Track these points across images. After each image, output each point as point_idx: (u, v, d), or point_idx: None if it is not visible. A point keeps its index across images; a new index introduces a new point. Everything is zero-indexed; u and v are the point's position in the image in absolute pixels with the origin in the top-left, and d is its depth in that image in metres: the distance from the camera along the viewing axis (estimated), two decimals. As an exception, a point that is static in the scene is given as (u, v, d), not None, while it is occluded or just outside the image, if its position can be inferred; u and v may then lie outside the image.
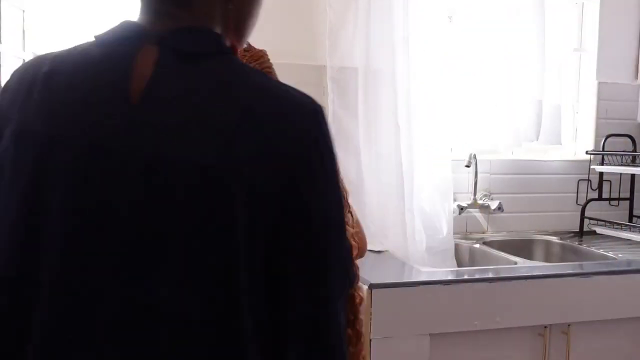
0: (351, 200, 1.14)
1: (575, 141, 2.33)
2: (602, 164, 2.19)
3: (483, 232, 2.16)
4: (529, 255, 2.01)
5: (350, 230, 1.32)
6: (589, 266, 1.70)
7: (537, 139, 2.02)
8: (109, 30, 0.63)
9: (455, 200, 2.07)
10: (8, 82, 0.66)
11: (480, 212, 2.14)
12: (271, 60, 1.83)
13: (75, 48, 0.64)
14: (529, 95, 2.00)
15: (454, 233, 1.99)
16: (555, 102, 2.06)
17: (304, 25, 1.90)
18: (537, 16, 1.97)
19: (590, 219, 2.22)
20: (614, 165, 2.16)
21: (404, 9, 1.77)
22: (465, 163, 2.03)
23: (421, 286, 1.44)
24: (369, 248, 1.79)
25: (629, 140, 2.25)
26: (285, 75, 2.06)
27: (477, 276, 1.52)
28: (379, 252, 1.78)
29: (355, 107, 1.87)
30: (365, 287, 1.41)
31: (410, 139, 1.79)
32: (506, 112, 2.01)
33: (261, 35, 1.95)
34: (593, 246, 1.96)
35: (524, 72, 1.99)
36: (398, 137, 1.76)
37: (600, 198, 2.22)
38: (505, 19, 1.98)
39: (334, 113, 1.89)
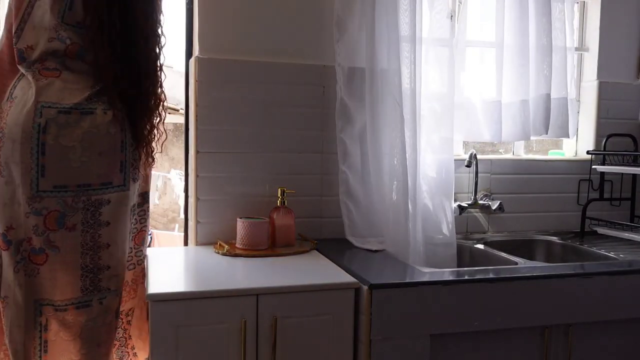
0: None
1: (577, 141, 2.32)
2: (603, 163, 2.19)
3: (484, 232, 2.15)
4: (529, 256, 2.00)
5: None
6: (590, 267, 1.69)
7: (547, 133, 2.01)
8: None
9: (455, 200, 2.06)
10: None
11: (481, 212, 2.14)
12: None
13: None
14: (536, 89, 1.99)
15: (455, 233, 1.98)
16: (563, 96, 2.04)
17: (305, 24, 1.90)
18: (544, 12, 1.96)
19: (592, 219, 2.21)
20: (616, 165, 2.15)
21: (410, 6, 1.77)
22: (466, 163, 2.03)
23: (421, 286, 1.43)
24: (367, 247, 1.79)
25: (630, 140, 2.24)
26: (285, 74, 2.07)
27: (477, 276, 1.51)
28: (378, 251, 1.77)
29: (362, 105, 1.86)
30: (365, 288, 1.41)
31: (413, 137, 1.79)
32: (514, 107, 1.99)
33: (262, 34, 1.96)
34: (594, 246, 1.96)
35: (532, 67, 1.98)
36: (402, 134, 1.76)
37: (601, 198, 2.22)
38: (510, 13, 1.97)
39: (340, 100, 1.88)
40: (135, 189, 1.52)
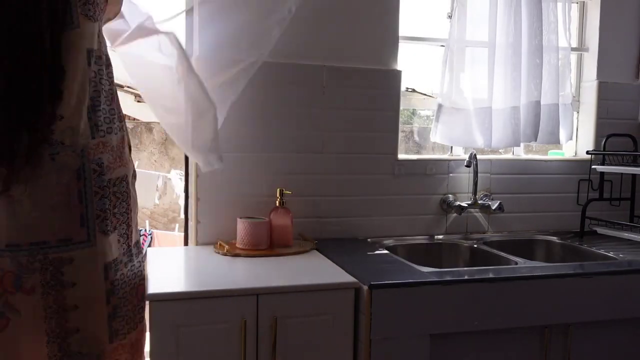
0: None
1: (577, 141, 2.33)
2: (603, 163, 2.19)
3: (483, 232, 2.15)
4: (529, 256, 2.00)
5: None
6: (589, 266, 1.69)
7: (536, 140, 2.02)
8: None
9: (456, 200, 2.06)
10: None
11: (481, 212, 2.14)
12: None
13: None
14: (527, 95, 2.00)
15: (455, 233, 1.97)
16: (553, 102, 2.05)
17: (304, 24, 1.90)
18: (535, 16, 1.97)
19: (591, 219, 2.21)
20: (615, 165, 2.15)
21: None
22: (466, 163, 2.03)
23: (421, 286, 1.44)
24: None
25: (629, 140, 2.24)
26: (286, 74, 2.06)
27: (477, 276, 1.51)
28: (378, 251, 1.77)
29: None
30: (365, 288, 1.41)
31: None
32: (505, 113, 2.00)
33: (262, 35, 1.94)
34: (594, 246, 1.96)
35: (522, 73, 1.99)
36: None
37: (601, 198, 2.22)
38: (503, 18, 1.97)
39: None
40: (111, 242, 1.29)
